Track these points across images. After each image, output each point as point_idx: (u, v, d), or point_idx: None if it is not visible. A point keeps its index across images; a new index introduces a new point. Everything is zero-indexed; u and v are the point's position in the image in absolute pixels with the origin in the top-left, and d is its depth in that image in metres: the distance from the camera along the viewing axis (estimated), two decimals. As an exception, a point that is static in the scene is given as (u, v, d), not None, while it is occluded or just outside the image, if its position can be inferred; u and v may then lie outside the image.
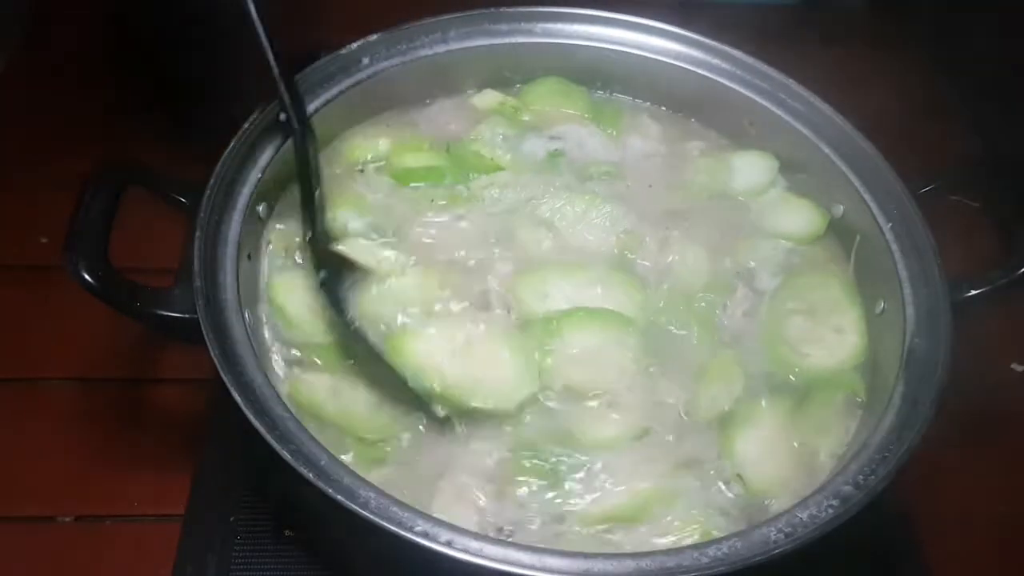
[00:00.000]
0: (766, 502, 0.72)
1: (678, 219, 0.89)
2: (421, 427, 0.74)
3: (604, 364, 0.77)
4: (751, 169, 0.92)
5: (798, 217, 0.90)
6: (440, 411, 0.74)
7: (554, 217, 0.86)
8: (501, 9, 0.94)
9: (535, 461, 0.72)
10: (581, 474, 0.72)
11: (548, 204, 0.87)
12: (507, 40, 0.94)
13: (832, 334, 0.82)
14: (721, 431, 0.76)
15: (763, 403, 0.77)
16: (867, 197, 0.84)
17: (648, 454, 0.74)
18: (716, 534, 0.68)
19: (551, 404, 0.75)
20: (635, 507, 0.71)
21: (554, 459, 0.73)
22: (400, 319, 0.78)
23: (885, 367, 0.77)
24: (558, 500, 0.71)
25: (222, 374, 0.66)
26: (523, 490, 0.71)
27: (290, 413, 0.66)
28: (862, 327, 0.82)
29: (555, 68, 0.96)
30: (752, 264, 0.87)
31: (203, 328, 0.68)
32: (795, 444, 0.76)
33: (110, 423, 0.93)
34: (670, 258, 0.85)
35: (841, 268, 0.87)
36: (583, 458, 0.73)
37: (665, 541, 0.69)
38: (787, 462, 0.75)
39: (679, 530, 0.70)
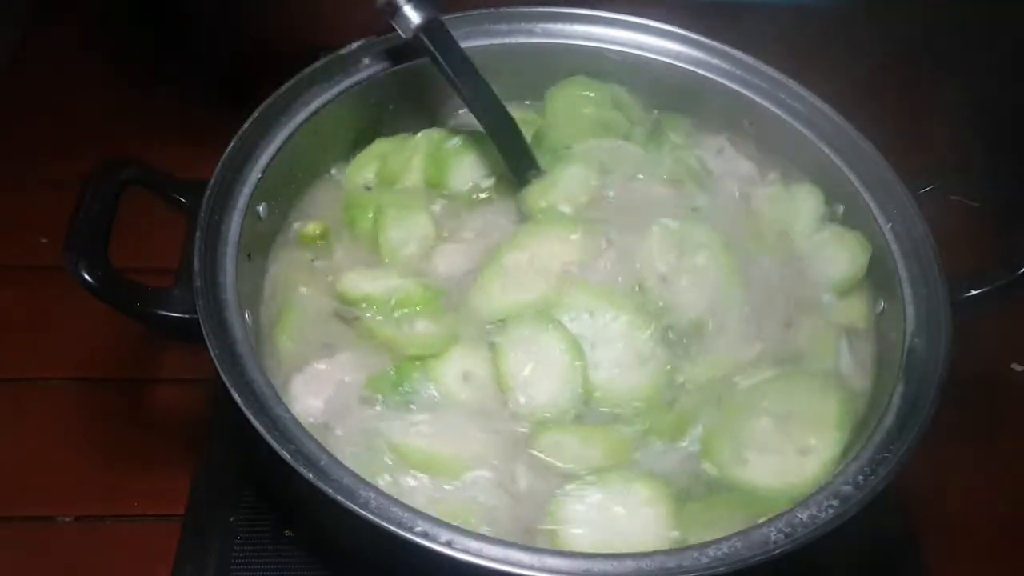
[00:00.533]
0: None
1: (748, 271, 0.82)
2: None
3: (547, 375, 0.75)
4: (806, 204, 0.88)
5: (841, 257, 0.84)
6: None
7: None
8: (501, 9, 0.94)
9: (393, 385, 0.75)
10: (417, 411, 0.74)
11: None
12: (507, 40, 0.94)
13: (794, 453, 0.72)
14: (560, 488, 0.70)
15: (635, 476, 0.70)
16: (867, 197, 0.84)
17: (483, 438, 0.73)
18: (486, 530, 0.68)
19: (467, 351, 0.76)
20: (430, 460, 0.71)
21: (407, 388, 0.75)
22: None
23: (885, 367, 0.77)
24: (382, 421, 0.73)
25: (222, 374, 0.66)
26: (367, 404, 0.74)
27: (290, 414, 0.66)
28: (831, 457, 0.72)
29: (555, 68, 0.97)
30: (799, 344, 0.80)
31: (203, 328, 0.68)
32: (660, 531, 0.68)
33: (110, 423, 0.93)
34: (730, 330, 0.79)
35: (859, 382, 0.79)
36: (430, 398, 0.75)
37: (441, 501, 0.69)
38: (621, 537, 0.67)
39: (451, 512, 0.67)
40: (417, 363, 0.76)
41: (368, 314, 0.79)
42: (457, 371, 0.76)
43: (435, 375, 0.75)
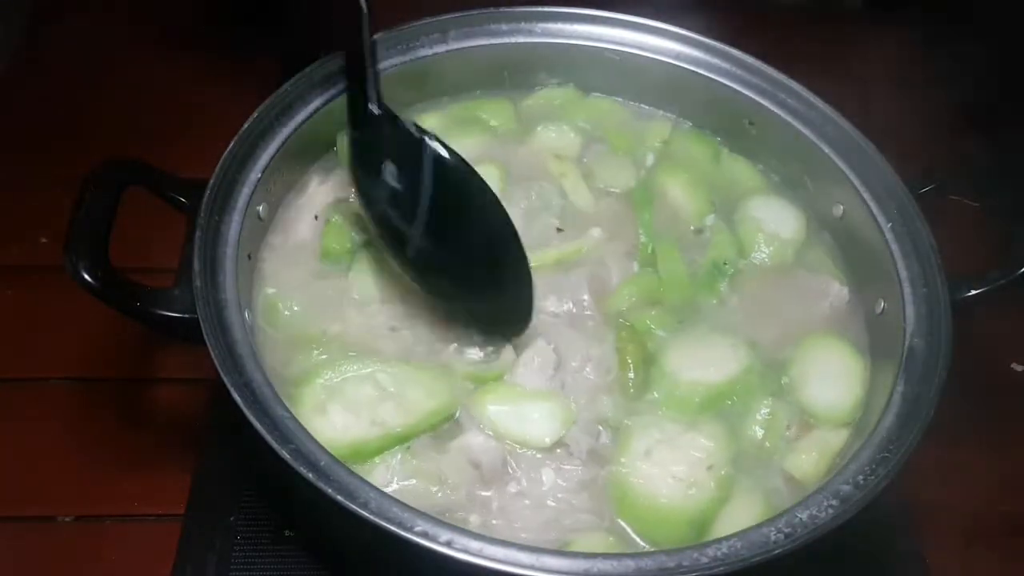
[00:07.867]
0: None
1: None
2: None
3: None
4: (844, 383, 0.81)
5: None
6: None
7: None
8: (501, 9, 0.94)
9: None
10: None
11: None
12: (507, 40, 0.94)
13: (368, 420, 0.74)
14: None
15: None
16: (867, 197, 0.84)
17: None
18: None
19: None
20: None
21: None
22: None
23: (885, 367, 0.77)
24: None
25: (222, 374, 0.66)
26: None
27: (289, 413, 0.66)
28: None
29: (554, 69, 0.97)
30: None
31: (203, 328, 0.68)
32: None
33: (110, 423, 0.93)
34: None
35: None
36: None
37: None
38: None
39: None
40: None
41: None
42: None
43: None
